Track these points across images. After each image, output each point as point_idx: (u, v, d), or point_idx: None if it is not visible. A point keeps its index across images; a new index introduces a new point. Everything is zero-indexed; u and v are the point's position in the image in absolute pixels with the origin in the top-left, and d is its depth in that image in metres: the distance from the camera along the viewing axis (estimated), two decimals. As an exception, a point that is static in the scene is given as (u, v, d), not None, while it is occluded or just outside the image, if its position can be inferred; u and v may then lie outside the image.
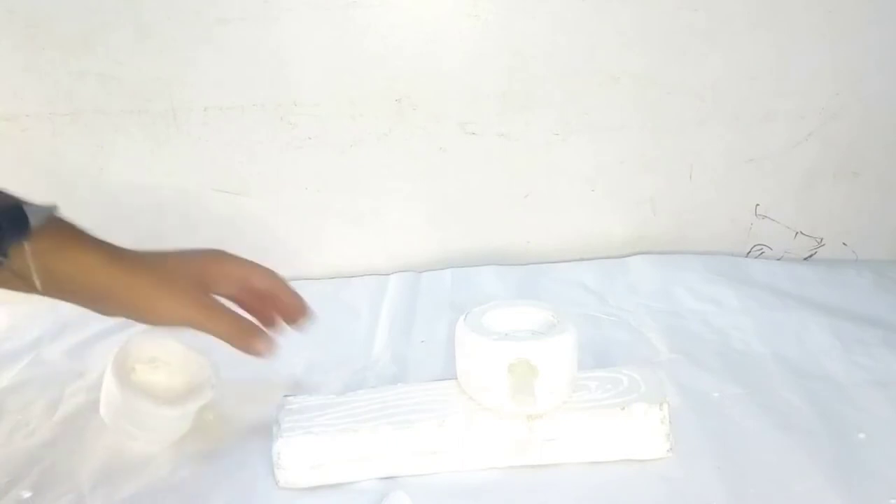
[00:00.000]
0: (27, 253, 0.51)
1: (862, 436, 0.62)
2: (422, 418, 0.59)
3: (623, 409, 0.59)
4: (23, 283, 0.54)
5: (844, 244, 0.97)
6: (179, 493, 0.60)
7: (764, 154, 0.93)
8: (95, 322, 0.82)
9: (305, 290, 0.92)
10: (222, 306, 0.61)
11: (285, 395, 0.64)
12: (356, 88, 0.90)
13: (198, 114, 0.91)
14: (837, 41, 0.88)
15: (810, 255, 0.98)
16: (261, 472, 0.60)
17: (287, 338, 0.82)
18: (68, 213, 0.94)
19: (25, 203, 0.53)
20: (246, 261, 0.66)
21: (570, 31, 0.88)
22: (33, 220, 0.52)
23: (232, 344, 0.60)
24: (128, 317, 0.59)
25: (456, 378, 0.62)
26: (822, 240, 0.97)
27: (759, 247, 0.98)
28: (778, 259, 0.97)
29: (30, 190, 0.87)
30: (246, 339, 0.61)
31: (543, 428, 0.59)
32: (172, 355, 0.67)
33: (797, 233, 0.97)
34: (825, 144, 0.92)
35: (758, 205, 0.96)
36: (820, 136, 0.92)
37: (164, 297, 0.59)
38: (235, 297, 0.65)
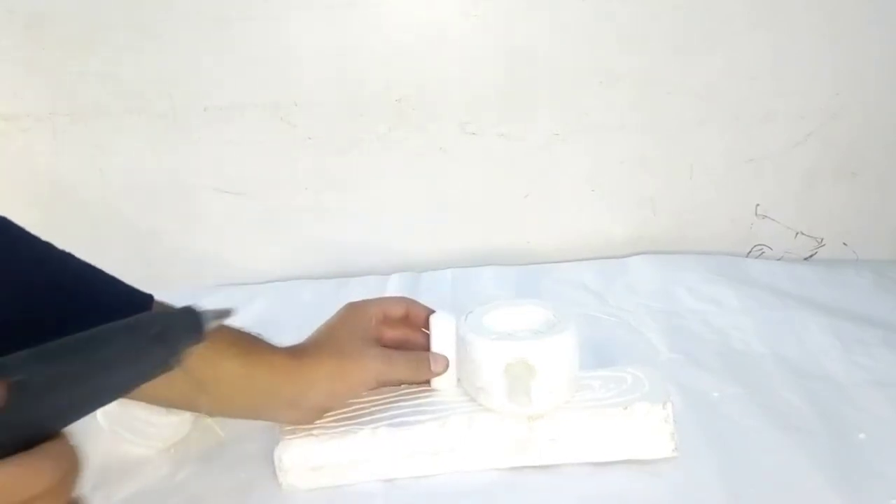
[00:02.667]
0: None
1: (862, 436, 0.62)
2: (423, 419, 0.59)
3: (625, 408, 0.58)
4: (191, 389, 0.54)
5: (845, 244, 0.97)
6: (179, 494, 0.60)
7: (764, 154, 0.93)
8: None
9: (306, 290, 0.93)
10: (394, 352, 0.63)
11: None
12: (356, 88, 0.90)
13: (198, 114, 0.91)
14: (837, 41, 0.88)
15: (810, 255, 0.98)
16: (262, 474, 0.60)
17: (287, 339, 0.82)
18: (68, 213, 0.94)
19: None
20: (373, 300, 0.66)
21: (570, 31, 0.88)
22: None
23: (415, 380, 0.63)
24: (308, 406, 0.60)
25: (457, 378, 0.62)
26: (822, 240, 0.97)
27: (759, 247, 0.98)
28: (778, 259, 0.97)
29: (30, 190, 0.87)
30: (424, 370, 0.62)
31: (545, 428, 0.58)
32: None
33: (797, 233, 0.97)
34: (825, 144, 0.92)
35: (758, 205, 0.96)
36: (820, 136, 0.92)
37: (353, 371, 0.60)
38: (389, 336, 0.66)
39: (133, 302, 0.54)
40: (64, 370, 0.41)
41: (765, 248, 0.98)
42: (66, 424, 0.41)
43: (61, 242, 0.84)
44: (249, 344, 0.58)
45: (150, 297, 0.55)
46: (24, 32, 0.87)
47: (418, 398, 0.62)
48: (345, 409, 0.61)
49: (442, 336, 0.62)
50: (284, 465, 0.58)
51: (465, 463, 0.59)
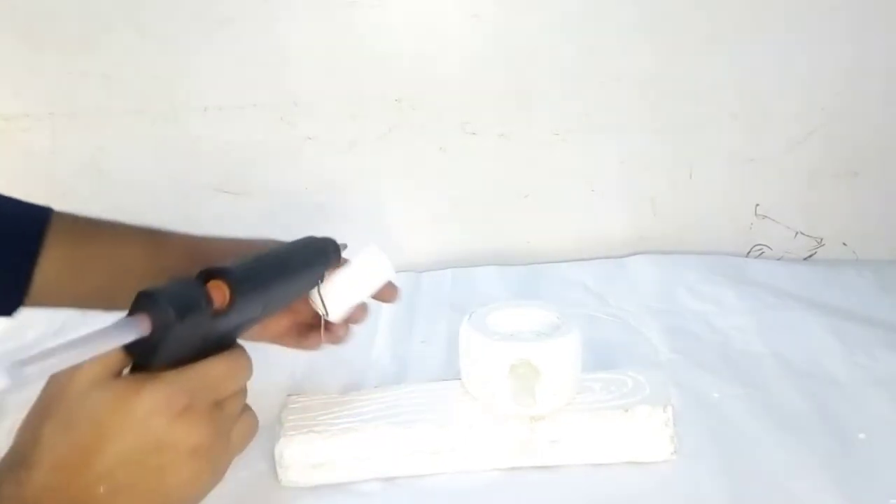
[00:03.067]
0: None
1: (862, 436, 0.62)
2: (424, 419, 0.59)
3: (626, 411, 0.58)
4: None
5: (844, 244, 0.97)
6: (180, 493, 0.60)
7: (764, 154, 0.93)
8: (94, 322, 0.82)
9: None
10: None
11: (289, 395, 0.64)
12: (356, 88, 0.90)
13: (198, 114, 0.91)
14: (837, 41, 0.88)
15: (810, 255, 0.98)
16: (262, 471, 0.60)
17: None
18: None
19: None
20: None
21: (570, 31, 0.88)
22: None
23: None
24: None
25: (459, 378, 0.62)
26: (822, 240, 0.97)
27: (759, 247, 0.98)
28: (778, 259, 0.97)
29: (30, 190, 0.87)
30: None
31: (546, 429, 0.59)
32: None
33: (797, 233, 0.97)
34: (825, 144, 0.92)
35: (758, 205, 0.96)
36: (820, 136, 0.92)
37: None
38: None
39: (31, 214, 0.60)
40: (267, 277, 0.49)
41: (765, 248, 0.98)
42: (249, 328, 0.48)
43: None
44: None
45: (48, 210, 0.60)
46: (25, 32, 0.87)
47: (420, 397, 0.62)
48: (347, 407, 0.61)
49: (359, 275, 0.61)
50: (285, 462, 0.58)
51: (466, 463, 0.59)
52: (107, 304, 0.60)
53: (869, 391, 0.68)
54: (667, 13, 0.87)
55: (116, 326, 0.38)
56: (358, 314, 0.63)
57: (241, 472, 0.61)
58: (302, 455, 0.58)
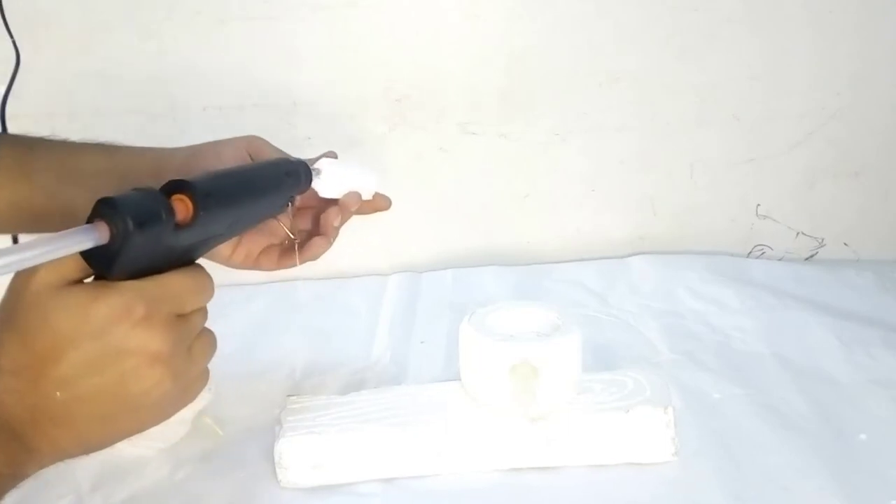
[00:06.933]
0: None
1: (863, 436, 0.62)
2: (424, 419, 0.59)
3: (627, 411, 0.58)
4: (55, 180, 0.59)
5: (845, 244, 0.97)
6: (180, 493, 0.59)
7: (764, 154, 0.93)
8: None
9: (306, 291, 0.92)
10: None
11: (288, 395, 0.64)
12: (356, 88, 0.90)
13: (198, 114, 0.90)
14: (838, 41, 0.88)
15: (811, 256, 0.98)
16: (262, 472, 0.60)
17: (287, 339, 0.82)
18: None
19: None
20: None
21: (570, 31, 0.88)
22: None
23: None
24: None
25: (458, 379, 0.62)
26: (822, 240, 0.97)
27: (759, 247, 0.97)
28: (779, 259, 0.97)
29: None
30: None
31: (546, 429, 0.58)
32: None
33: (798, 233, 0.97)
34: (826, 144, 0.92)
35: (758, 205, 0.96)
36: (820, 135, 0.92)
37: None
38: None
39: None
40: (232, 193, 0.48)
41: (765, 249, 0.97)
42: (215, 246, 0.48)
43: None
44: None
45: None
46: (24, 32, 0.87)
47: (420, 398, 0.62)
48: (347, 407, 0.61)
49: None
50: (284, 463, 0.58)
51: (466, 463, 0.59)
52: (63, 215, 0.59)
53: (870, 391, 0.68)
54: (666, 13, 0.87)
55: (74, 232, 0.38)
56: (377, 202, 0.65)
57: (241, 472, 0.61)
58: (301, 456, 0.58)
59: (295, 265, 0.63)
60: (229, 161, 0.61)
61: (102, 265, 0.40)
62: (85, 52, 0.88)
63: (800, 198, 0.95)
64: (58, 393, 0.39)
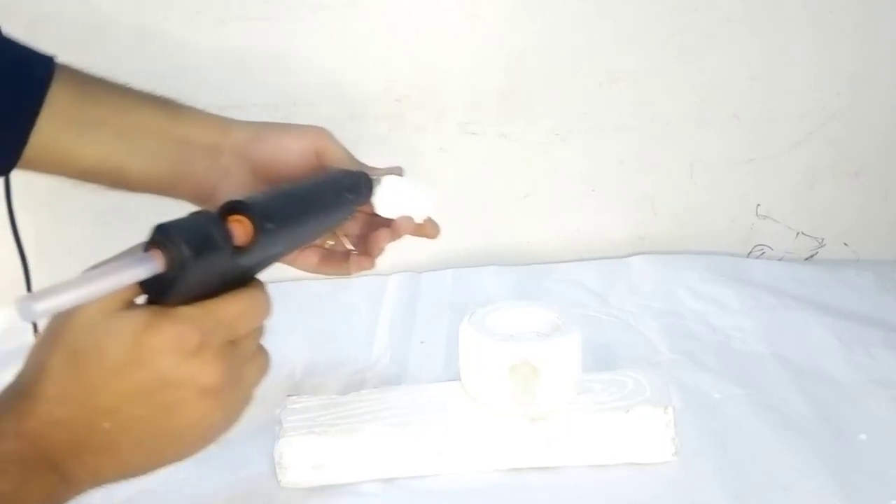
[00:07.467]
0: None
1: (863, 436, 0.62)
2: (424, 419, 0.59)
3: (627, 412, 0.58)
4: (112, 141, 0.56)
5: (845, 244, 0.97)
6: (180, 493, 0.59)
7: (764, 154, 0.93)
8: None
9: (305, 291, 0.92)
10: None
11: (288, 395, 0.64)
12: (356, 88, 0.90)
13: (198, 114, 0.90)
14: (837, 41, 0.88)
15: (811, 256, 0.98)
16: (262, 472, 0.60)
17: (287, 339, 0.82)
18: (68, 213, 0.94)
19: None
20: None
21: (570, 31, 0.88)
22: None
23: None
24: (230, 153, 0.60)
25: (458, 379, 0.62)
26: (822, 240, 0.97)
27: (759, 247, 0.97)
28: (779, 259, 0.97)
29: (30, 189, 0.87)
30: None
31: (546, 429, 0.59)
32: None
33: (798, 233, 0.97)
34: (826, 144, 0.92)
35: (759, 205, 0.96)
36: (820, 135, 0.92)
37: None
38: None
39: (34, 61, 0.56)
40: (293, 214, 0.45)
41: (765, 249, 0.97)
42: (272, 264, 0.46)
43: (61, 242, 0.84)
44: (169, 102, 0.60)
45: (50, 59, 0.57)
46: (24, 32, 0.87)
47: (420, 398, 0.62)
48: (347, 408, 0.61)
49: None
50: (285, 463, 0.58)
51: (466, 463, 0.59)
52: (113, 176, 0.57)
53: (870, 391, 0.68)
54: (666, 13, 0.87)
55: (129, 262, 0.36)
56: (426, 228, 0.60)
57: (241, 472, 0.61)
58: (302, 456, 0.58)
59: (349, 273, 0.60)
60: (293, 155, 0.58)
61: (157, 292, 0.39)
62: (85, 52, 0.88)
63: (800, 198, 0.95)
64: (106, 423, 0.38)
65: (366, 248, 0.59)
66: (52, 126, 0.55)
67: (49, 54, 0.56)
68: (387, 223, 0.58)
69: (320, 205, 0.50)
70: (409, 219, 0.58)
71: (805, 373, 0.71)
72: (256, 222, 0.41)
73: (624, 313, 0.84)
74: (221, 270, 0.40)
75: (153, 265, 0.37)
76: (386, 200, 0.57)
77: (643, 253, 0.96)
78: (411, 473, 0.59)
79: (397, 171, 0.59)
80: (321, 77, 0.90)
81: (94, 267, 0.37)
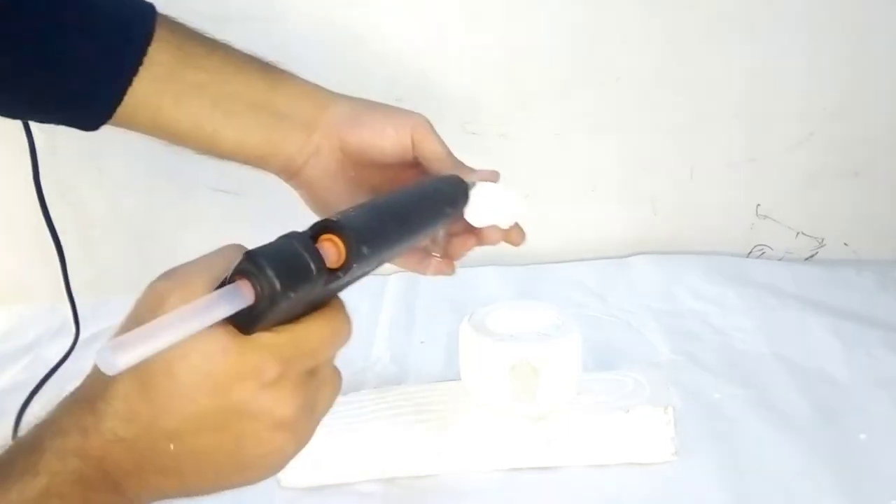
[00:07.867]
0: None
1: (863, 436, 0.62)
2: (424, 419, 0.59)
3: (627, 411, 0.58)
4: (203, 104, 0.55)
5: (846, 244, 0.97)
6: (180, 493, 0.59)
7: (765, 154, 0.93)
8: (94, 322, 0.82)
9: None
10: None
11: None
12: (356, 89, 0.90)
13: (198, 114, 0.90)
14: (838, 41, 0.88)
15: (811, 256, 0.98)
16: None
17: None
18: (68, 213, 0.94)
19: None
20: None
21: (570, 31, 0.88)
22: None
23: None
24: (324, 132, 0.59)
25: (458, 379, 0.62)
26: (823, 240, 0.97)
27: (760, 247, 0.97)
28: (779, 259, 0.97)
29: (29, 190, 0.87)
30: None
31: (547, 430, 0.58)
32: None
33: (798, 233, 0.97)
34: (826, 144, 0.92)
35: (759, 205, 0.96)
36: (821, 135, 0.91)
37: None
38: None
39: (134, 15, 0.54)
40: (389, 235, 0.42)
41: (766, 249, 0.97)
42: (358, 281, 0.42)
43: (61, 243, 0.84)
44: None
45: (150, 12, 0.55)
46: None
47: (420, 398, 0.62)
48: (347, 407, 0.61)
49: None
50: (284, 464, 0.58)
51: (466, 463, 0.59)
52: (204, 143, 0.56)
53: (870, 391, 0.68)
54: (667, 13, 0.87)
55: (217, 299, 0.34)
56: (512, 236, 0.58)
57: (241, 472, 0.61)
58: (301, 455, 0.58)
59: (429, 273, 0.58)
60: (388, 141, 0.56)
61: (241, 321, 0.36)
62: (85, 51, 0.88)
63: (800, 198, 0.95)
64: (171, 446, 0.36)
65: (448, 250, 0.57)
66: (148, 89, 0.53)
67: (150, 2, 0.54)
68: (473, 228, 0.56)
69: (418, 222, 0.47)
70: (498, 230, 0.56)
71: (805, 373, 0.71)
72: (351, 246, 0.38)
73: (624, 313, 0.84)
74: (310, 298, 0.38)
75: (242, 300, 0.34)
76: (478, 210, 0.55)
77: (643, 253, 0.96)
78: (411, 473, 0.59)
79: (493, 177, 0.57)
80: (321, 77, 0.89)
81: (174, 292, 0.36)
